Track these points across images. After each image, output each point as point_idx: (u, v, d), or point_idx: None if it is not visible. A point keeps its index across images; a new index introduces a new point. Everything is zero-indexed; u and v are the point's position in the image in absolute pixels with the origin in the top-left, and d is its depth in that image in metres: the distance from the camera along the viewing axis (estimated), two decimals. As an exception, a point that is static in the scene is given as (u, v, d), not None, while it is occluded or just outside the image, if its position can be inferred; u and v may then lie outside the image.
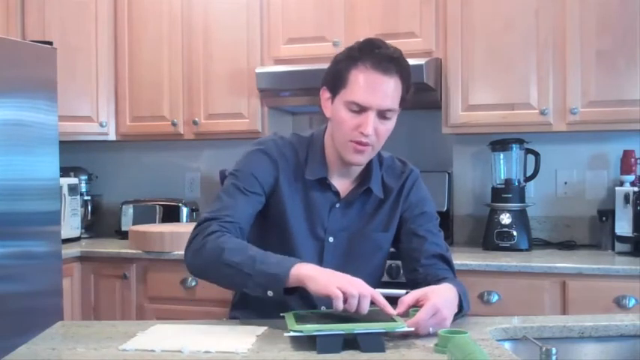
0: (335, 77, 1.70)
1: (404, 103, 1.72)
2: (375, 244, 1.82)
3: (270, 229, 1.79)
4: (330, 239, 1.79)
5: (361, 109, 1.66)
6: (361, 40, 1.73)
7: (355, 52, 1.69)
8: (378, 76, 1.65)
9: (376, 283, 1.88)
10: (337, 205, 1.80)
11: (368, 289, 1.46)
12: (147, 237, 3.15)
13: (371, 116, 1.65)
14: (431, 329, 1.45)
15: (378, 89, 1.65)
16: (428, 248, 1.78)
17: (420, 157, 3.30)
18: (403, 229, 1.83)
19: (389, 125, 1.70)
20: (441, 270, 1.77)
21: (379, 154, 1.84)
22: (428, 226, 1.82)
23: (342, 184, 1.81)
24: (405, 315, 1.48)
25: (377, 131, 1.67)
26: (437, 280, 1.72)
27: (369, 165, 1.80)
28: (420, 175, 1.88)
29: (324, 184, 1.79)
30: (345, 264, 1.78)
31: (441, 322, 1.47)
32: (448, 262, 1.80)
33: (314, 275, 1.49)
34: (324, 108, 1.75)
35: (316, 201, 1.79)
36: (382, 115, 1.67)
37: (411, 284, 1.81)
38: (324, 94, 1.75)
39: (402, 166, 1.88)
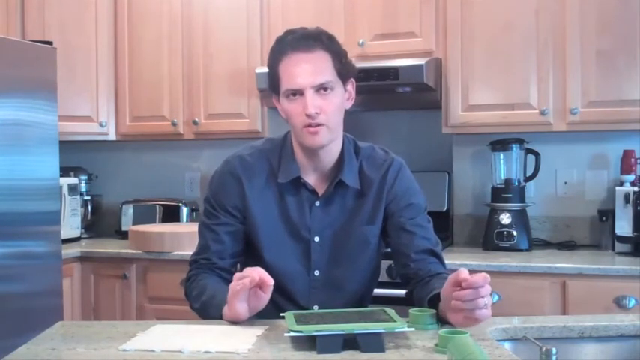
0: (271, 78, 1.74)
1: (347, 74, 1.73)
2: (362, 238, 1.80)
3: (254, 241, 1.80)
4: (316, 239, 1.78)
5: (297, 93, 1.67)
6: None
7: (274, 46, 1.73)
8: (299, 56, 1.67)
9: (371, 278, 1.89)
10: (317, 204, 1.79)
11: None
12: (147, 237, 3.16)
13: (308, 96, 1.65)
14: (486, 300, 1.41)
15: (302, 68, 1.66)
16: (417, 243, 1.76)
17: (420, 157, 3.31)
18: (391, 222, 1.80)
19: (333, 99, 1.69)
20: (432, 264, 1.76)
21: (355, 145, 1.83)
22: (416, 220, 1.79)
23: (317, 182, 1.79)
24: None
25: (323, 108, 1.67)
26: (430, 275, 1.72)
27: (341, 157, 1.78)
28: (404, 165, 1.84)
29: (299, 185, 1.78)
30: (333, 261, 1.79)
31: (489, 294, 1.43)
32: (438, 256, 1.79)
33: (227, 311, 1.57)
34: (281, 112, 1.77)
35: (294, 203, 1.78)
36: (320, 90, 1.67)
37: (404, 279, 1.82)
38: (275, 101, 1.77)
39: (383, 154, 1.84)
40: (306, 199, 1.78)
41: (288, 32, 1.73)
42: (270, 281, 1.51)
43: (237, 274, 1.56)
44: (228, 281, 1.72)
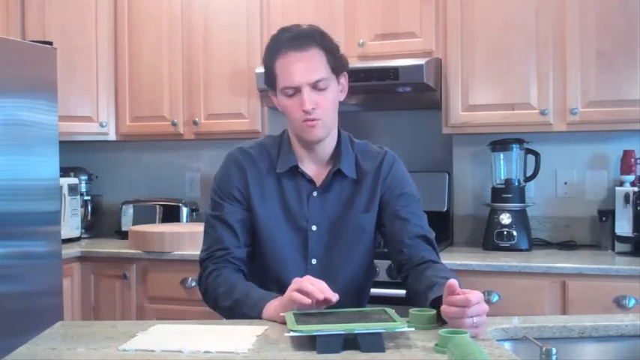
0: (267, 75, 1.80)
1: (340, 69, 1.79)
2: (358, 226, 1.83)
3: (255, 229, 1.83)
4: (313, 228, 1.82)
5: (295, 90, 1.74)
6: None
7: (270, 44, 1.79)
8: (296, 54, 1.73)
9: (367, 270, 1.91)
10: (314, 194, 1.83)
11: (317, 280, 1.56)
12: (147, 237, 3.16)
13: (305, 93, 1.72)
14: (475, 319, 1.42)
15: (299, 66, 1.72)
16: (411, 229, 1.80)
17: (420, 157, 3.31)
18: (385, 211, 1.84)
19: (329, 95, 1.76)
20: (425, 251, 1.79)
21: (350, 139, 1.88)
22: (410, 208, 1.84)
23: (315, 172, 1.84)
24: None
25: (319, 104, 1.73)
26: (423, 262, 1.75)
27: (338, 148, 1.84)
28: (397, 158, 1.91)
29: (297, 175, 1.83)
30: (330, 250, 1.82)
31: (482, 314, 1.44)
32: (431, 244, 1.82)
33: (278, 312, 1.56)
34: (278, 107, 1.83)
35: (292, 193, 1.82)
36: (316, 87, 1.73)
37: (397, 267, 1.85)
38: (272, 96, 1.84)
39: (377, 148, 1.92)
40: (305, 189, 1.83)
41: (283, 30, 1.79)
42: (334, 298, 1.52)
43: (297, 280, 1.57)
44: (246, 275, 1.78)
